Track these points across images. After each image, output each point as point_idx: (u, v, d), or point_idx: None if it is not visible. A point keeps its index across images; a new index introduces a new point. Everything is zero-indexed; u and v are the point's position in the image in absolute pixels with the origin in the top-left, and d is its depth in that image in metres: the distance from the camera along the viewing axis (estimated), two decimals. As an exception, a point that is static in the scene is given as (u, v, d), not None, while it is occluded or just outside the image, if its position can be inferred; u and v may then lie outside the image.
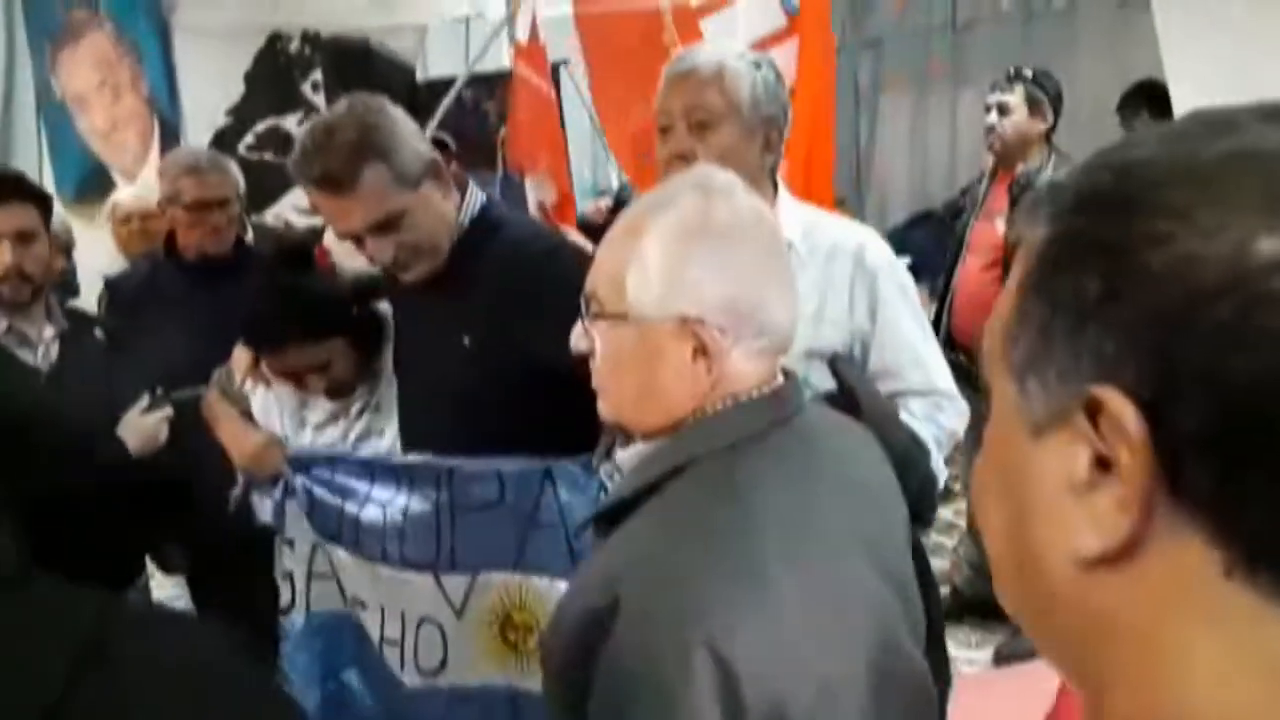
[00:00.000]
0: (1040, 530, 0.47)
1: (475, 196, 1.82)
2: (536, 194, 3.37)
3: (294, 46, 4.59)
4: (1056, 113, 3.15)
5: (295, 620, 1.88)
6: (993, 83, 3.21)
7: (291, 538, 1.85)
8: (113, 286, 2.81)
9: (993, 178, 3.32)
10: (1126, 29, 4.96)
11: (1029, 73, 3.15)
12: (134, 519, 1.87)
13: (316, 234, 2.96)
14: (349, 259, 2.01)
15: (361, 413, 2.00)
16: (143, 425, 2.02)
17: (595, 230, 3.60)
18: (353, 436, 2.00)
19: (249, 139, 4.52)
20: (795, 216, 1.81)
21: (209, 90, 4.48)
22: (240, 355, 2.01)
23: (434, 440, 1.77)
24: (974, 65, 5.99)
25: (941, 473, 1.77)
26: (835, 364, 1.59)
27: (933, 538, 3.85)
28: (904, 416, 1.70)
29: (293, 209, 4.54)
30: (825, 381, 1.59)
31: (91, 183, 4.44)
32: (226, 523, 1.89)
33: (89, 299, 3.14)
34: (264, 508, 1.86)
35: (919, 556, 1.19)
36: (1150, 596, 0.43)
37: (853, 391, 1.49)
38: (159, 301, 2.59)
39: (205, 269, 2.63)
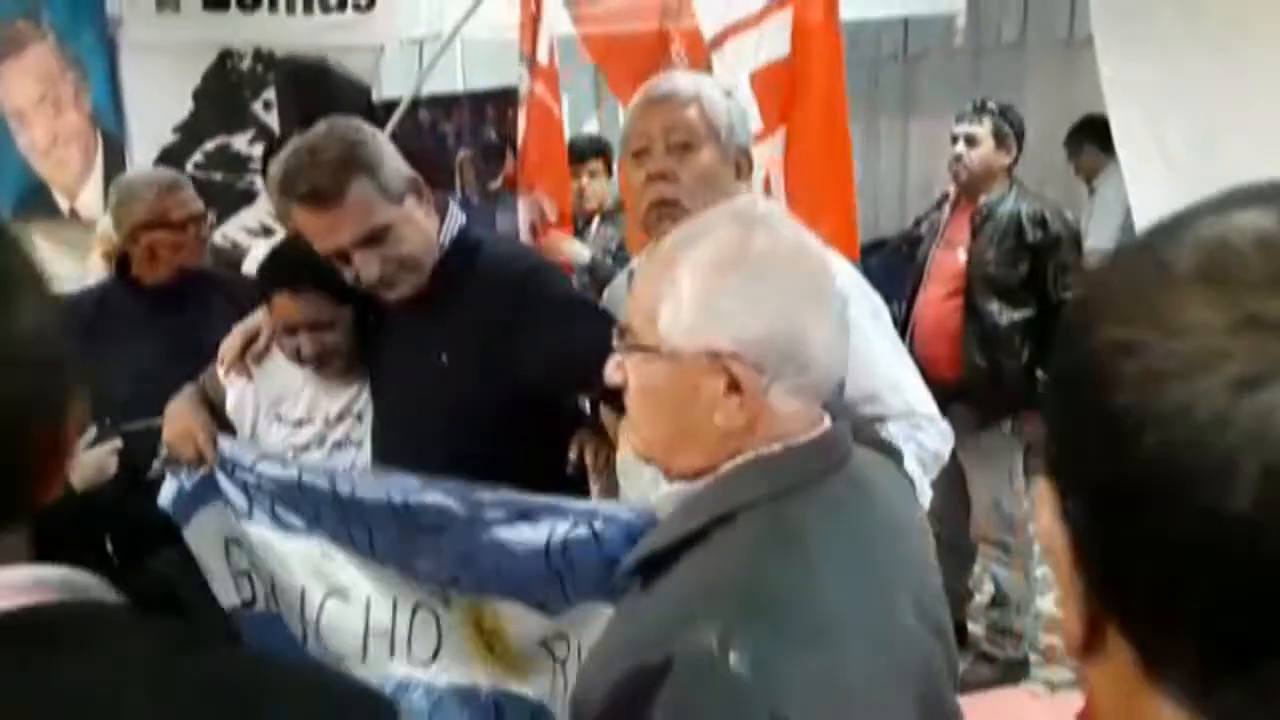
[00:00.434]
0: None
1: (455, 218, 1.85)
2: (529, 213, 3.33)
3: (245, 64, 4.54)
4: (1019, 147, 3.21)
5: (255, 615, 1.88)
6: (959, 114, 3.25)
7: (237, 536, 1.84)
8: (67, 309, 2.70)
9: (954, 207, 3.36)
10: (1073, 64, 5.10)
11: (994, 106, 3.19)
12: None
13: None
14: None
15: (341, 418, 1.95)
16: (89, 458, 1.96)
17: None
18: (330, 441, 1.95)
19: (198, 157, 4.45)
20: None
21: (156, 107, 4.41)
22: (229, 342, 1.97)
23: (406, 456, 1.75)
24: (925, 97, 6.10)
25: (925, 495, 1.76)
26: None
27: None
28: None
29: (241, 229, 4.46)
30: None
31: (30, 200, 4.29)
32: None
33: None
34: (167, 489, 1.87)
35: None
36: (1118, 681, 0.48)
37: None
38: (113, 326, 2.49)
39: (160, 292, 2.54)
